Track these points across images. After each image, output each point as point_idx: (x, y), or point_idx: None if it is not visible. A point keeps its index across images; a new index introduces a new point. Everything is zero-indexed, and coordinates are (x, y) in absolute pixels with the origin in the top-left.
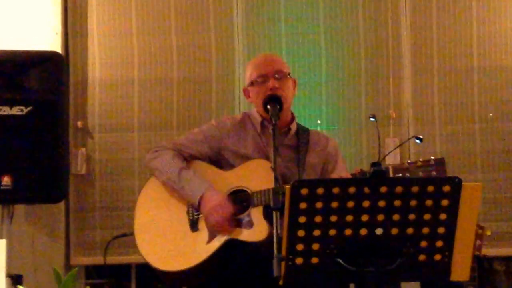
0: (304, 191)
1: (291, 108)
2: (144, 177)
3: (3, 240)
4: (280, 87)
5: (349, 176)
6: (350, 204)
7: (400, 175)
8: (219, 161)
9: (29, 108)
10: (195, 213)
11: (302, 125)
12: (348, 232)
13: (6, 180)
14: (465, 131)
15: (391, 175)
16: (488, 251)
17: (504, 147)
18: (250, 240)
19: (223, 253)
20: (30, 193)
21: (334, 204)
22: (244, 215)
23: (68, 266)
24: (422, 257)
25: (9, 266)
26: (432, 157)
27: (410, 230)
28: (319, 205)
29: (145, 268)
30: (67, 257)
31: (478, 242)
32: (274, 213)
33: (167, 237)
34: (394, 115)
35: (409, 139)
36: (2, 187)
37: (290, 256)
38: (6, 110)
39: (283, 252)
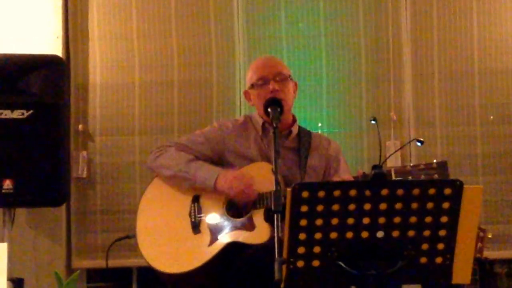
0: (305, 194)
1: (292, 111)
2: (145, 180)
3: (5, 243)
4: (280, 89)
5: (351, 179)
6: (351, 207)
7: (403, 178)
8: (221, 163)
9: (30, 112)
10: (197, 215)
11: (304, 127)
12: (349, 235)
13: (8, 183)
14: (466, 133)
15: (393, 178)
16: (490, 253)
17: (505, 149)
18: (251, 242)
19: (225, 256)
20: (31, 196)
21: (335, 207)
22: (246, 217)
23: (69, 270)
24: (423, 260)
25: (10, 270)
26: (435, 160)
27: (411, 233)
28: (320, 208)
29: (146, 272)
30: (68, 260)
31: (479, 244)
32: (275, 215)
33: (169, 239)
34: (395, 117)
35: (410, 141)
36: (3, 191)
37: (291, 259)
38: (7, 114)
39: (284, 255)
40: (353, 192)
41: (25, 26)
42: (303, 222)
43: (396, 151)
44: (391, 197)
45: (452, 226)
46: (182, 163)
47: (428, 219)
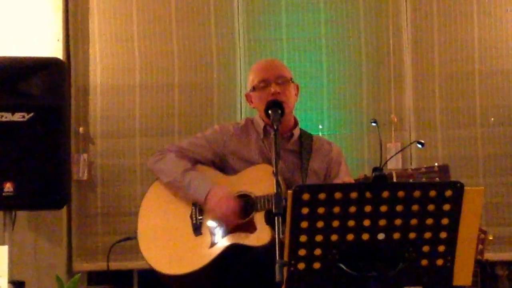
0: (306, 196)
1: (293, 113)
2: (146, 183)
3: (5, 246)
4: (282, 92)
5: (352, 182)
6: (352, 209)
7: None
8: (222, 166)
9: (31, 114)
10: (199, 217)
11: (305, 130)
12: (350, 237)
13: (8, 186)
14: (467, 135)
15: (395, 181)
16: (491, 255)
17: (506, 151)
18: (252, 244)
19: (225, 258)
20: (32, 199)
21: (336, 209)
22: (247, 220)
23: (70, 272)
24: (424, 262)
25: (11, 273)
26: (436, 164)
27: (412, 235)
28: (321, 210)
29: (147, 274)
30: (69, 263)
31: (480, 246)
32: (276, 218)
33: (170, 241)
34: (395, 120)
35: (410, 144)
36: (4, 193)
37: (292, 261)
38: (8, 117)
39: (285, 257)
40: (354, 194)
41: (26, 28)
42: (304, 224)
43: (397, 153)
44: (392, 199)
45: (453, 228)
46: (179, 172)
47: (429, 221)
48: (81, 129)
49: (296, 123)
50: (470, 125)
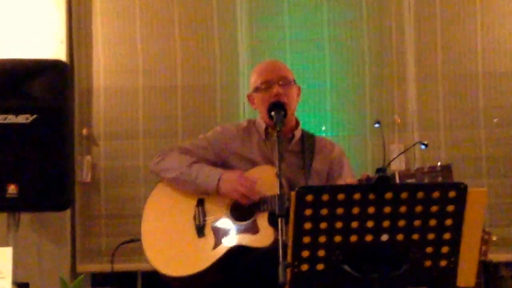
0: (309, 198)
1: (295, 114)
2: (150, 184)
3: (9, 248)
4: (284, 93)
5: (355, 182)
6: (355, 210)
7: (407, 181)
8: (224, 167)
9: (35, 116)
10: (202, 219)
11: (307, 131)
12: (353, 238)
13: (12, 188)
14: (470, 136)
15: (398, 181)
16: (494, 256)
17: (509, 152)
18: (255, 245)
19: (229, 259)
20: (36, 201)
21: (339, 210)
22: (250, 221)
23: (74, 274)
24: (428, 263)
25: (15, 274)
26: (439, 163)
27: (415, 236)
28: (324, 211)
29: (151, 275)
30: (73, 264)
31: (484, 247)
32: (279, 219)
33: (173, 242)
34: (399, 121)
35: (414, 145)
36: (8, 195)
37: (296, 263)
38: (11, 119)
39: (289, 259)
40: (357, 196)
41: (29, 31)
42: (307, 226)
43: (400, 154)
44: (395, 201)
45: (457, 229)
46: (184, 166)
47: (433, 222)
48: (84, 131)
49: (297, 124)
50: (474, 126)
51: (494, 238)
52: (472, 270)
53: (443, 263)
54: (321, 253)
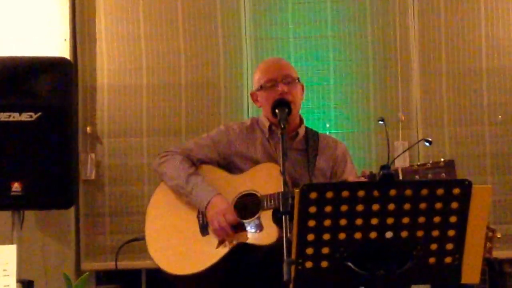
0: (313, 195)
1: (299, 112)
2: (154, 182)
3: (14, 245)
4: (289, 91)
5: (358, 180)
6: (360, 207)
7: (410, 177)
8: (228, 166)
9: (38, 114)
10: (205, 217)
11: (311, 128)
12: (357, 235)
13: (16, 186)
14: (475, 133)
15: (400, 177)
16: (499, 253)
17: None
18: (259, 243)
19: (233, 257)
20: (40, 199)
21: (344, 208)
22: (254, 219)
23: (78, 272)
24: (432, 260)
25: (20, 272)
26: (442, 159)
27: (420, 233)
28: (328, 208)
29: (155, 273)
30: (78, 262)
31: (488, 244)
32: (283, 216)
33: (177, 241)
34: (403, 118)
35: (418, 142)
36: (12, 193)
37: (300, 260)
38: (15, 116)
39: (293, 256)
40: (361, 193)
41: (33, 28)
42: (312, 223)
43: (404, 151)
44: (400, 198)
45: (461, 226)
46: (182, 177)
47: (437, 219)
48: (88, 128)
49: (301, 122)
50: (478, 123)
51: (498, 235)
52: (477, 267)
53: (447, 260)
54: (326, 250)
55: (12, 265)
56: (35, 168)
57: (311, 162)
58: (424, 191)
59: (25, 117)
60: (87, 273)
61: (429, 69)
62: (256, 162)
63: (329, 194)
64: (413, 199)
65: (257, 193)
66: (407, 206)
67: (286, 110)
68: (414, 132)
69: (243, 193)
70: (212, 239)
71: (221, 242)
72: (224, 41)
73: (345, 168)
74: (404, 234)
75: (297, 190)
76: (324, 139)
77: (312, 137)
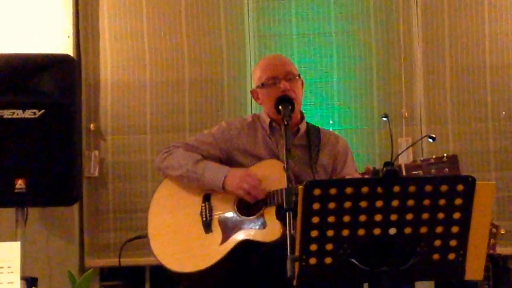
0: (317, 192)
1: (301, 108)
2: (157, 179)
3: (18, 242)
4: (291, 88)
5: (358, 176)
6: (363, 204)
7: (414, 172)
8: (230, 163)
9: (42, 111)
10: (209, 215)
11: (312, 124)
12: (361, 232)
13: (20, 183)
14: (478, 129)
15: (404, 173)
16: (503, 250)
17: None
18: (263, 240)
19: (236, 254)
20: (44, 196)
21: (347, 204)
22: (257, 215)
23: (82, 268)
24: (436, 256)
25: (24, 269)
26: (445, 154)
27: (423, 230)
28: (332, 205)
29: (159, 270)
30: (82, 259)
31: (492, 241)
32: (287, 213)
33: (180, 238)
34: (406, 114)
35: (421, 138)
36: (16, 190)
37: (304, 257)
38: (19, 114)
39: (297, 253)
40: (365, 189)
41: (36, 26)
42: (315, 220)
43: (408, 148)
44: (403, 194)
45: (465, 223)
46: (190, 163)
47: (441, 215)
48: (92, 125)
49: (302, 118)
50: (481, 119)
51: (502, 232)
52: (480, 263)
53: (451, 256)
54: (329, 246)
55: (16, 262)
56: (39, 165)
57: (313, 158)
58: (428, 188)
59: (28, 114)
60: (91, 270)
61: (432, 65)
62: (258, 158)
63: (333, 191)
64: (416, 195)
65: None
66: (410, 202)
67: (290, 107)
68: (417, 128)
69: None
70: (216, 236)
71: (225, 239)
72: (227, 38)
73: (345, 163)
74: (407, 230)
75: (300, 187)
76: (325, 135)
77: (313, 132)
